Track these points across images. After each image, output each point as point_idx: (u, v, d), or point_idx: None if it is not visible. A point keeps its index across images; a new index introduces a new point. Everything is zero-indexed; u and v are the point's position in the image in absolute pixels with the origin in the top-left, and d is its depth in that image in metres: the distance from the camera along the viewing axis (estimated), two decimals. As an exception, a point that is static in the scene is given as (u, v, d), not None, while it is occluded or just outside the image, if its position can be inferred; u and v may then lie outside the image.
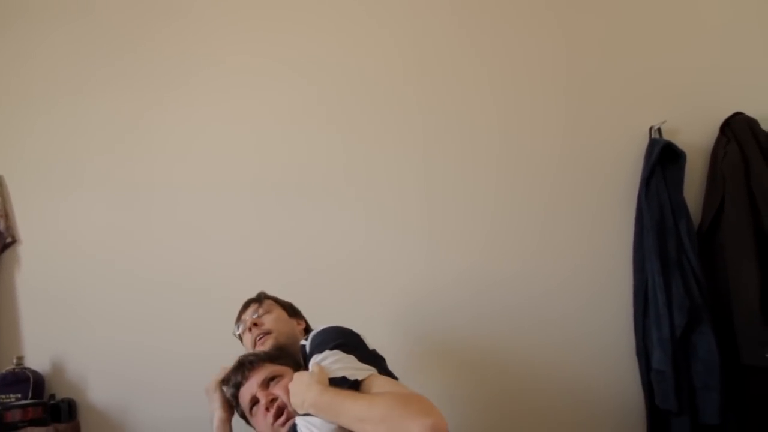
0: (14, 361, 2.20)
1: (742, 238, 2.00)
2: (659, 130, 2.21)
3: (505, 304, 2.23)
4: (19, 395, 2.12)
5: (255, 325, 1.73)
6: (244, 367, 1.55)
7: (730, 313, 1.99)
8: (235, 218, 2.30)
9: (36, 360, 2.24)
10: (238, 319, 1.84)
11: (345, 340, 1.53)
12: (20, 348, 2.27)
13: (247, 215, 2.30)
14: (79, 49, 2.43)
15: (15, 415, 2.03)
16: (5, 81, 2.41)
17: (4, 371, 2.17)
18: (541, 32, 2.34)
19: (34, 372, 2.19)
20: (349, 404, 1.27)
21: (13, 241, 2.32)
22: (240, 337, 1.82)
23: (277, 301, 1.87)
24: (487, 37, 2.35)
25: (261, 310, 1.79)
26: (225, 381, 1.61)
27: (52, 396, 2.21)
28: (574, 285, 2.22)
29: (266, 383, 1.50)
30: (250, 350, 1.71)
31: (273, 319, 1.76)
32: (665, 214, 2.10)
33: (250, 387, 1.51)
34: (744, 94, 2.22)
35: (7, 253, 2.32)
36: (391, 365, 1.72)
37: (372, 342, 1.67)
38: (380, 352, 1.71)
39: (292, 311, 1.86)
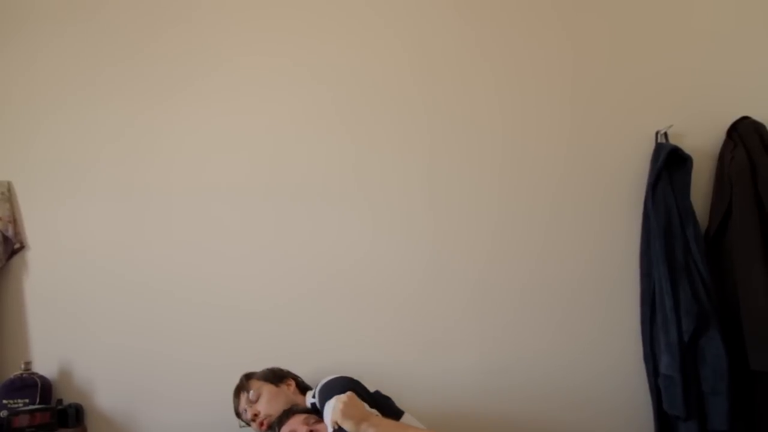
0: (22, 366, 2.20)
1: (750, 242, 1.99)
2: (665, 134, 2.21)
3: (510, 309, 2.23)
4: (27, 400, 2.12)
5: (255, 415, 1.89)
6: (289, 411, 1.78)
7: (738, 318, 1.99)
8: (243, 226, 2.30)
9: (43, 365, 2.25)
10: (237, 412, 1.98)
11: (351, 387, 1.69)
12: (28, 353, 2.27)
13: (254, 223, 2.30)
14: (88, 53, 2.41)
15: (23, 421, 2.04)
16: (14, 87, 2.41)
17: (11, 376, 2.17)
18: (548, 37, 2.34)
19: (41, 377, 2.19)
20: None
21: (21, 247, 2.33)
22: (248, 424, 1.96)
23: (259, 378, 1.99)
24: (494, 43, 2.35)
25: (252, 396, 1.93)
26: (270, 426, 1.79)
27: (60, 401, 2.21)
28: (580, 290, 2.22)
29: (308, 421, 1.69)
30: None
31: (265, 402, 1.90)
32: (672, 219, 2.09)
33: (292, 424, 1.69)
34: (751, 98, 2.22)
35: (15, 259, 2.32)
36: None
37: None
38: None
39: (277, 379, 1.99)
